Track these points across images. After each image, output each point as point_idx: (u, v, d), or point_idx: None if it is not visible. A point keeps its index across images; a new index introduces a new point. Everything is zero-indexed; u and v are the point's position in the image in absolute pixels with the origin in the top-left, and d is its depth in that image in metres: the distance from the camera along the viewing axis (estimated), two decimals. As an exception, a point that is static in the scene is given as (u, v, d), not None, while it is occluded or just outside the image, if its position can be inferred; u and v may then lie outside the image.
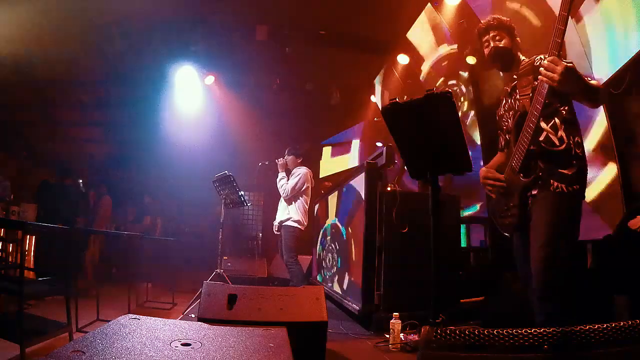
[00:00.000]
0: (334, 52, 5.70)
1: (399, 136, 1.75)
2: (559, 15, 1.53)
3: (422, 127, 1.65)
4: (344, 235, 4.43)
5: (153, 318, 1.36)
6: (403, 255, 3.21)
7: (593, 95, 1.68)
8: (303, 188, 4.08)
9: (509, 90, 1.97)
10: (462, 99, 5.48)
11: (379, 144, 6.34)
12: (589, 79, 1.69)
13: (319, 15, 5.02)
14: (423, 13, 5.28)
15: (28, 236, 3.15)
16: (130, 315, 1.35)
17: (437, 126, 1.62)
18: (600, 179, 3.17)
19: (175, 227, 6.94)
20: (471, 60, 4.77)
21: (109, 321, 1.26)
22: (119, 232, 4.47)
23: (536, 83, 1.68)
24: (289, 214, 3.98)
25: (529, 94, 1.75)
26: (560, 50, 1.56)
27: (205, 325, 1.36)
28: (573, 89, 1.64)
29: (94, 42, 5.13)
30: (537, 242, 1.71)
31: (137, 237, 4.35)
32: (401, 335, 2.59)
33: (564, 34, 1.54)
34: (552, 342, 1.04)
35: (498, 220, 1.99)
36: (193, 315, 3.33)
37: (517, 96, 1.89)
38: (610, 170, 3.11)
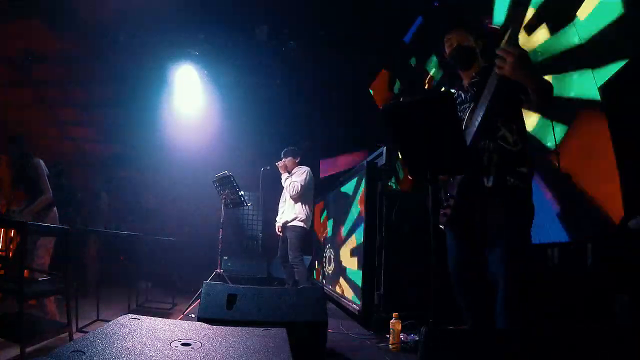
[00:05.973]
0: (334, 52, 5.69)
1: (399, 136, 1.75)
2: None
3: (422, 127, 1.65)
4: (344, 236, 4.43)
5: (153, 318, 1.36)
6: (403, 255, 3.22)
7: (544, 87, 1.66)
8: (310, 185, 4.09)
9: (466, 86, 1.99)
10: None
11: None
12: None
13: (319, 15, 5.01)
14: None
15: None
16: (130, 315, 1.35)
17: (437, 126, 1.62)
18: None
19: (175, 227, 6.92)
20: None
21: (109, 321, 1.26)
22: (119, 232, 4.46)
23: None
24: (295, 214, 3.99)
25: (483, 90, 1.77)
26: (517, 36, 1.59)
27: (205, 325, 1.36)
28: (526, 76, 1.58)
29: (94, 42, 5.13)
30: (502, 241, 1.73)
31: (137, 237, 4.34)
32: (401, 335, 2.59)
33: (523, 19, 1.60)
34: (547, 339, 1.04)
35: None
36: (193, 315, 3.33)
37: (471, 93, 1.92)
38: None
